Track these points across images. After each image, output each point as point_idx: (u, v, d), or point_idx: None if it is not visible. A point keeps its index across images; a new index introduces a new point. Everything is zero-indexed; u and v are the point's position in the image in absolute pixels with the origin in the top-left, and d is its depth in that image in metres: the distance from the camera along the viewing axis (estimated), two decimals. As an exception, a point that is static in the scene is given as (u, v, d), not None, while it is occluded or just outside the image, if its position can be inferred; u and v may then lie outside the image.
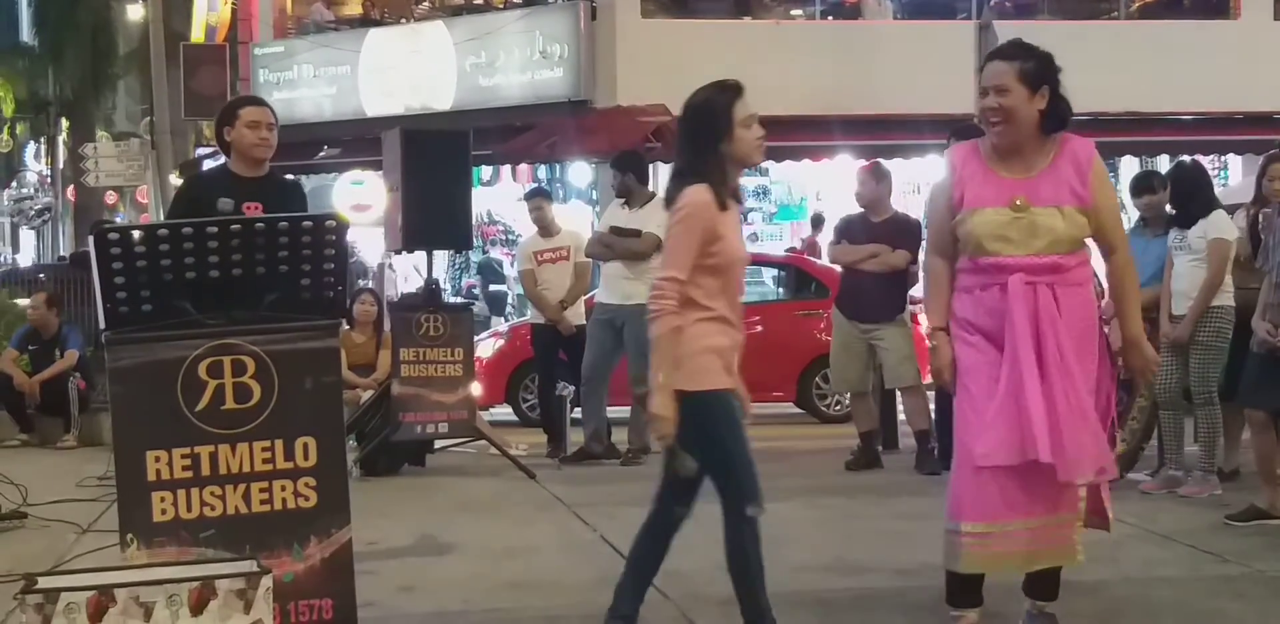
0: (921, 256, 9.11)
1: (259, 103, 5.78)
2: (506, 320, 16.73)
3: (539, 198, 9.78)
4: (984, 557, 4.19)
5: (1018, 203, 4.13)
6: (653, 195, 9.05)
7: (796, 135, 15.14)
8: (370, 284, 14.69)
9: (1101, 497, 4.37)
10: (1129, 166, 17.40)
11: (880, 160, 9.46)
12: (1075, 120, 4.27)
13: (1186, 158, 13.37)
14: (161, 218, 5.15)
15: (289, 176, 5.87)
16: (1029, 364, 4.08)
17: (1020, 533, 4.17)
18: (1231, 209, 7.54)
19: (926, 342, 4.44)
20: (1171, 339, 7.03)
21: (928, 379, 8.66)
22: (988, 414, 4.12)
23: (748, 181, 21.73)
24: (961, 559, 4.22)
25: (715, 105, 4.10)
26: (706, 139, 4.09)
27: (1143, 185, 7.54)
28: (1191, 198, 7.17)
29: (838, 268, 8.78)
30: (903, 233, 8.31)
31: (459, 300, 15.29)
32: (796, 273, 12.65)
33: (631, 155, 9.71)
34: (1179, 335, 7.00)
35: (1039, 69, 4.14)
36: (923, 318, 9.48)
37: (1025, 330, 4.09)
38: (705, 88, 4.17)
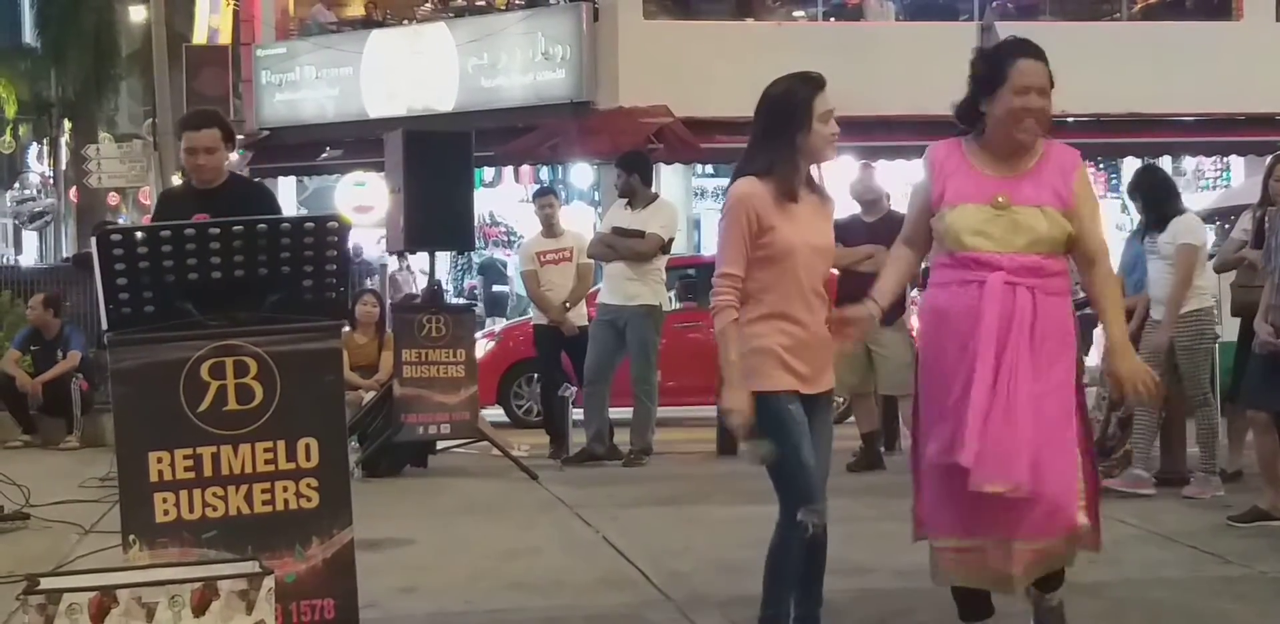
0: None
1: (196, 125, 5.62)
2: (507, 321, 16.73)
3: (550, 195, 9.85)
4: (964, 570, 4.10)
5: (999, 200, 4.04)
6: (655, 196, 9.06)
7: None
8: (373, 284, 14.70)
9: (1096, 512, 4.15)
10: (1131, 168, 17.41)
11: (868, 161, 9.51)
12: (1077, 121, 4.24)
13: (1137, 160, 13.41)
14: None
15: (243, 177, 5.79)
16: (985, 366, 3.95)
17: (996, 550, 4.01)
18: (1237, 210, 7.54)
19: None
20: (1152, 347, 7.01)
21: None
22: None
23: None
24: (941, 573, 4.17)
25: (795, 96, 4.04)
26: (782, 129, 4.03)
27: None
28: (1165, 201, 7.24)
29: (834, 271, 8.78)
30: (897, 230, 8.30)
31: (461, 301, 15.30)
32: None
33: (638, 156, 9.75)
34: (1157, 342, 7.02)
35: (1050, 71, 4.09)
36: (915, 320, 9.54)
37: (992, 331, 3.97)
38: (786, 78, 4.10)
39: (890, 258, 4.35)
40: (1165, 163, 18.00)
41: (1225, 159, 18.48)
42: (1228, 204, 7.80)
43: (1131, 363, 4.15)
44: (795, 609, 4.18)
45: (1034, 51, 4.10)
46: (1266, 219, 6.92)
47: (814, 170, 4.17)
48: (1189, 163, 19.26)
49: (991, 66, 4.09)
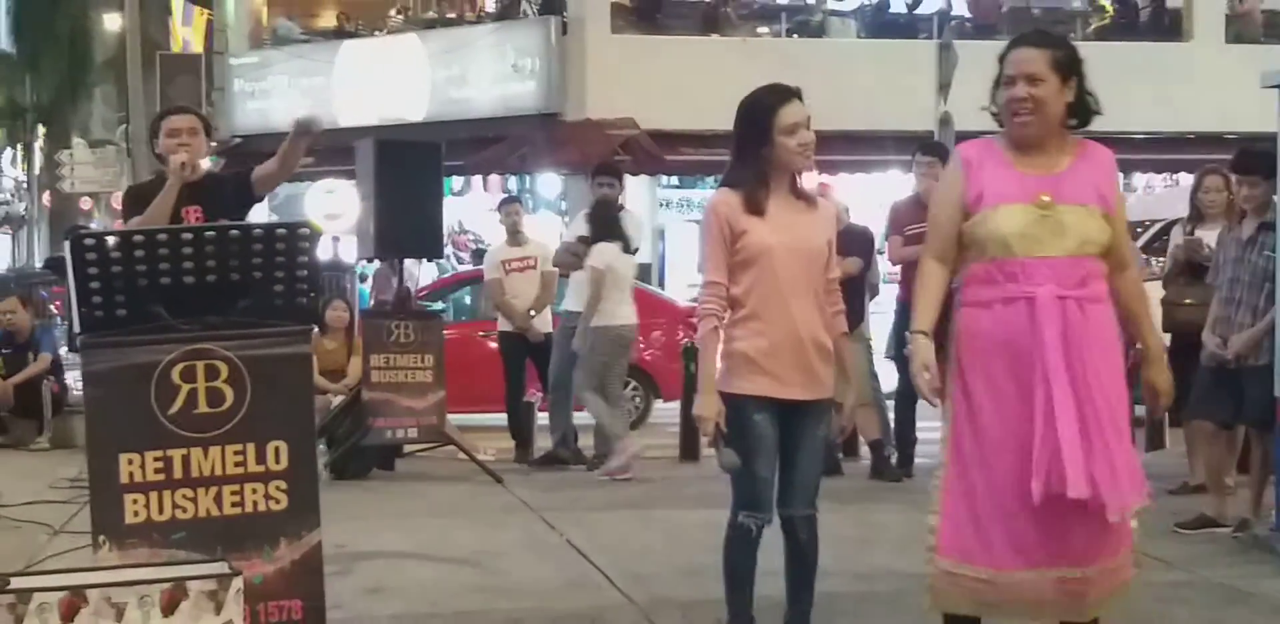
0: (883, 267, 9.22)
1: (180, 111, 5.58)
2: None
3: (515, 203, 9.89)
4: (1023, 604, 3.79)
5: (1044, 199, 3.72)
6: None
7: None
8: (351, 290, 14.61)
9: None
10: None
11: (824, 177, 9.58)
12: None
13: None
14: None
15: (220, 173, 5.63)
16: (1063, 391, 3.64)
17: (1037, 583, 3.73)
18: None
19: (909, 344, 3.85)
20: None
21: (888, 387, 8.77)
22: (1009, 445, 3.69)
23: (713, 194, 21.75)
24: (964, 601, 3.83)
25: (759, 108, 4.04)
26: (748, 141, 4.05)
27: None
28: None
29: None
30: (854, 242, 8.34)
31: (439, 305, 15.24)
32: None
33: (618, 166, 9.89)
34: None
35: (1070, 58, 3.77)
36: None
37: (1058, 352, 3.65)
38: (758, 90, 4.10)
39: (922, 276, 3.93)
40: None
41: (1175, 176, 18.64)
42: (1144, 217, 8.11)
43: (1167, 373, 3.92)
44: (786, 612, 4.24)
45: (1031, 39, 3.85)
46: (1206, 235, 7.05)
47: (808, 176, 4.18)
48: (1139, 179, 19.43)
49: (999, 63, 3.86)
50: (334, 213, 18.15)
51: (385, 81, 19.84)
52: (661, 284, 20.77)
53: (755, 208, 4.04)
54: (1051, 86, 3.75)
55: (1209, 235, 6.96)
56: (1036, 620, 3.92)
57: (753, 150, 4.05)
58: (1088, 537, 3.71)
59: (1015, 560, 3.74)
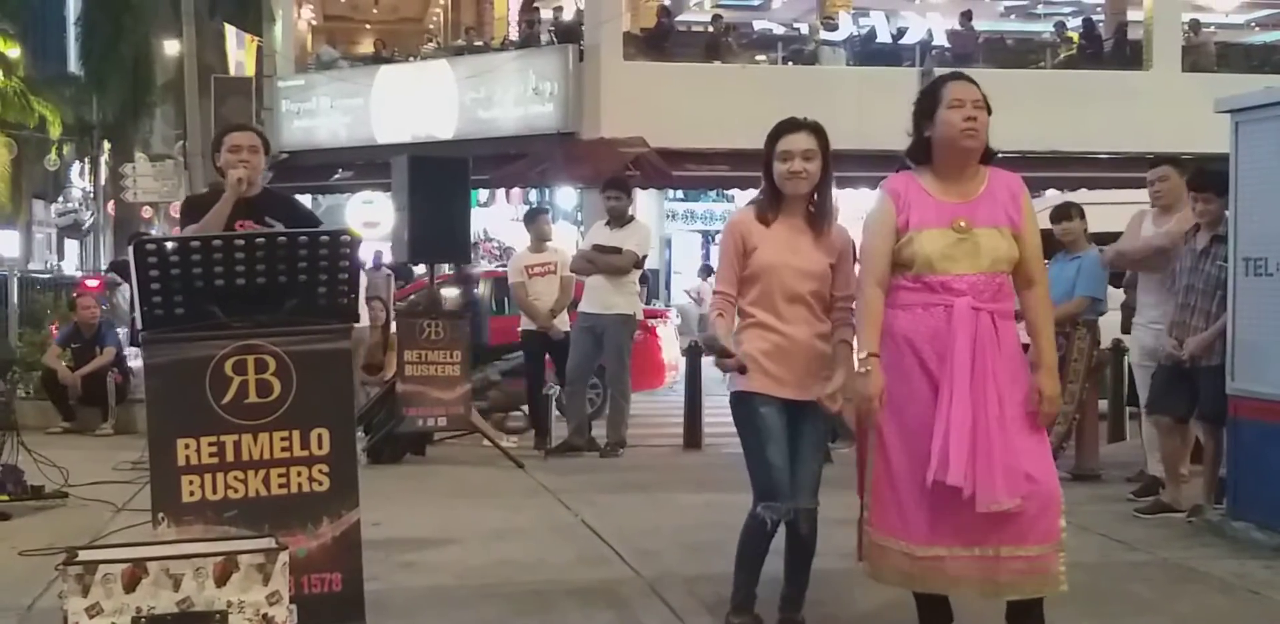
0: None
1: (242, 129, 5.49)
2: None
3: (544, 214, 9.92)
4: (941, 578, 3.85)
5: (961, 224, 3.84)
6: (632, 217, 9.07)
7: (760, 167, 15.23)
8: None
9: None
10: (1052, 200, 17.50)
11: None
12: (1004, 157, 3.98)
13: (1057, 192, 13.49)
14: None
15: (275, 190, 5.53)
16: (962, 388, 3.74)
17: (976, 558, 3.79)
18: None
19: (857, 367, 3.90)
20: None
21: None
22: (933, 435, 3.75)
23: (715, 207, 21.78)
24: (891, 572, 3.94)
25: (769, 136, 4.12)
26: (763, 165, 4.14)
27: (1062, 213, 7.64)
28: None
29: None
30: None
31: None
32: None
33: (628, 181, 9.90)
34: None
35: (986, 102, 3.90)
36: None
37: (966, 355, 3.76)
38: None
39: (863, 303, 3.93)
40: (1082, 195, 18.09)
41: (1135, 193, 18.66)
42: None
43: (1056, 382, 3.91)
44: (783, 588, 4.22)
45: (964, 77, 3.99)
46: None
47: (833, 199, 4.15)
48: (1103, 196, 19.40)
49: (927, 95, 3.97)
50: (372, 221, 18.19)
51: (418, 103, 19.89)
52: (667, 288, 20.77)
53: (763, 220, 4.09)
54: (988, 117, 3.86)
55: (1162, 221, 6.86)
56: (957, 595, 3.96)
57: (766, 173, 4.12)
58: (994, 519, 3.75)
59: (930, 536, 3.82)
